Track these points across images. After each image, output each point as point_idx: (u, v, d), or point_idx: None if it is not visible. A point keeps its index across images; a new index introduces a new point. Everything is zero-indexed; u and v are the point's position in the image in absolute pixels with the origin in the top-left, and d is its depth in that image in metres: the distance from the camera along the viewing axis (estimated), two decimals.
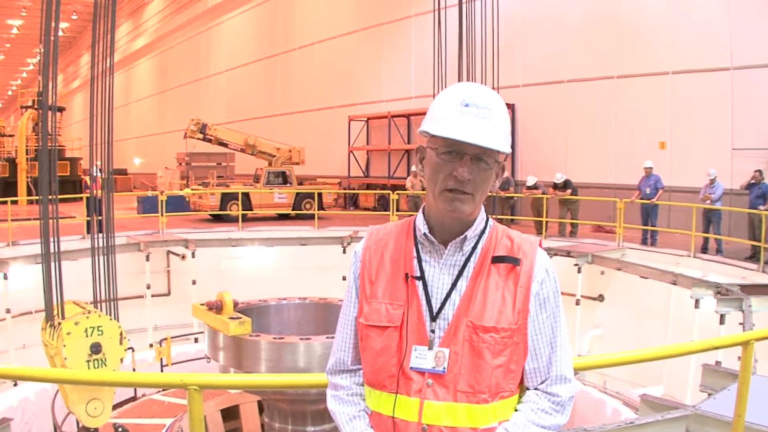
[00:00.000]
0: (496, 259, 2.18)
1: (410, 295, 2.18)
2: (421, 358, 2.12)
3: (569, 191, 18.57)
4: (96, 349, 8.16)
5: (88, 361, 8.09)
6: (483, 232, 2.22)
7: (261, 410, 8.83)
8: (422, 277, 2.20)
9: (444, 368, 2.10)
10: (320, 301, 9.16)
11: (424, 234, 2.21)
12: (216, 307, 7.73)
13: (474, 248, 2.20)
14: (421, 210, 2.28)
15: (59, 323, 8.16)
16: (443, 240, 2.20)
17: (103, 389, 8.05)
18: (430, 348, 2.13)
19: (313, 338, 7.27)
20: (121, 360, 8.50)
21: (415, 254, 2.23)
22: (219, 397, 9.57)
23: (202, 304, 8.10)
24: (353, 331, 2.32)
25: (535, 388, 2.20)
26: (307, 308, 9.15)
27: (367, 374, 2.24)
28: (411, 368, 2.13)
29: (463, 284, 2.16)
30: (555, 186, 18.77)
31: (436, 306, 2.16)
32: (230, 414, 9.30)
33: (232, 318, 7.38)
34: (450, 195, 2.10)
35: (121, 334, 8.40)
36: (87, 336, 8.13)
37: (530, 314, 2.15)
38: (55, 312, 8.48)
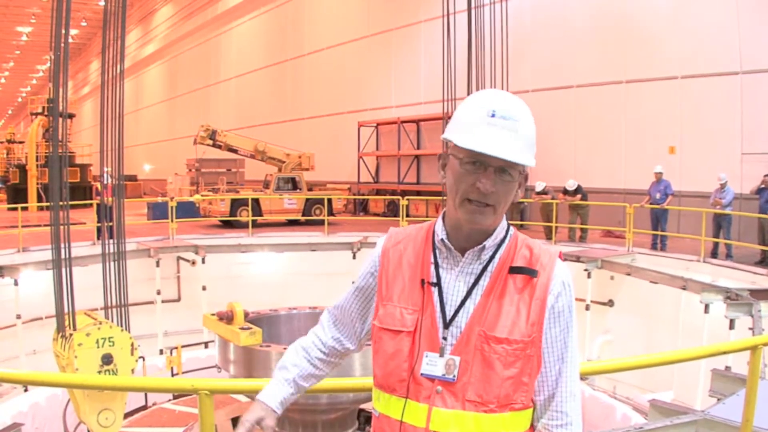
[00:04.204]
0: (514, 270, 2.15)
1: (425, 301, 2.17)
2: (432, 364, 2.11)
3: (579, 196, 18.53)
4: (107, 360, 8.19)
5: (99, 372, 8.11)
6: (503, 241, 2.21)
7: None
8: (438, 284, 2.18)
9: (454, 376, 2.08)
10: None
11: (442, 240, 2.20)
12: (227, 318, 7.73)
13: (492, 257, 2.18)
14: (441, 215, 2.27)
15: (71, 334, 8.19)
16: (461, 247, 2.18)
17: (115, 399, 8.07)
18: (441, 355, 2.11)
19: None
20: (132, 371, 8.52)
21: (432, 260, 2.22)
22: (229, 405, 9.58)
23: (213, 314, 8.10)
24: (356, 306, 2.44)
25: (544, 427, 2.18)
26: (318, 318, 9.15)
27: (377, 377, 2.23)
28: (421, 374, 2.11)
29: (478, 293, 2.14)
30: (565, 191, 18.72)
31: (449, 313, 2.14)
32: None
33: (242, 328, 7.37)
34: (470, 206, 2.09)
35: (132, 344, 8.43)
36: (98, 347, 8.16)
37: (543, 327, 2.13)
38: (67, 323, 8.51)
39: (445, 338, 2.13)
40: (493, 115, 2.06)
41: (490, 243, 2.17)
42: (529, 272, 2.15)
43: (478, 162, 2.06)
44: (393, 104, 30.34)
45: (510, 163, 2.06)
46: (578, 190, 18.65)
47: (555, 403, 2.16)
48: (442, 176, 2.23)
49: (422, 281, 2.20)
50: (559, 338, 2.15)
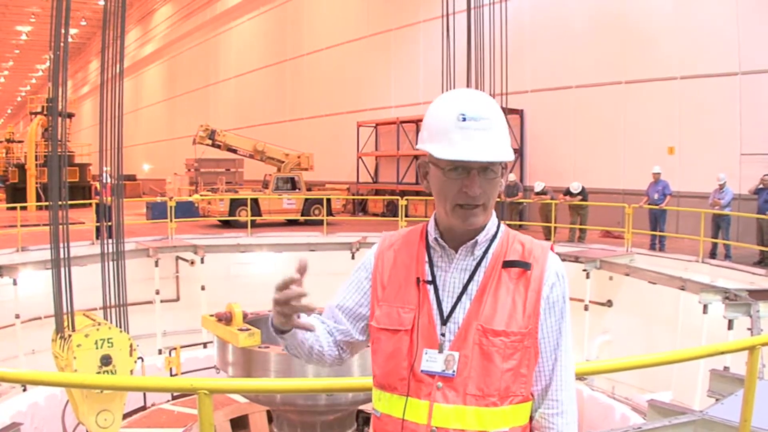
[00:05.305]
0: (507, 264, 2.18)
1: (421, 299, 2.19)
2: (432, 361, 2.13)
3: (579, 197, 18.51)
4: (106, 361, 8.20)
5: (98, 373, 8.11)
6: (494, 237, 2.23)
7: (270, 420, 8.83)
8: (433, 282, 2.21)
9: (453, 371, 2.10)
10: None
11: (435, 239, 2.23)
12: (225, 319, 7.71)
13: (485, 253, 2.21)
14: (433, 216, 2.29)
15: (70, 335, 8.18)
16: (454, 245, 2.21)
17: (114, 400, 8.07)
18: (441, 351, 2.13)
19: None
20: (131, 372, 8.52)
21: (426, 259, 2.25)
22: (228, 407, 9.57)
23: (212, 315, 8.09)
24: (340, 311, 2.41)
25: (540, 416, 2.22)
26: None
27: (377, 377, 2.25)
28: (421, 371, 2.13)
29: (473, 288, 2.17)
30: (569, 193, 18.67)
31: (446, 310, 2.16)
32: (239, 424, 9.30)
33: (241, 329, 7.35)
34: (462, 211, 2.12)
35: (131, 345, 8.43)
36: (97, 348, 8.16)
37: (540, 318, 2.16)
38: (66, 324, 8.50)
39: (443, 334, 2.15)
40: (464, 119, 2.07)
41: (482, 238, 2.20)
42: (522, 265, 2.18)
43: (460, 168, 2.09)
44: (392, 104, 30.33)
45: (492, 162, 2.09)
46: (581, 191, 18.62)
47: (550, 392, 2.21)
48: (426, 186, 2.25)
49: (417, 280, 2.22)
50: (555, 328, 2.19)
